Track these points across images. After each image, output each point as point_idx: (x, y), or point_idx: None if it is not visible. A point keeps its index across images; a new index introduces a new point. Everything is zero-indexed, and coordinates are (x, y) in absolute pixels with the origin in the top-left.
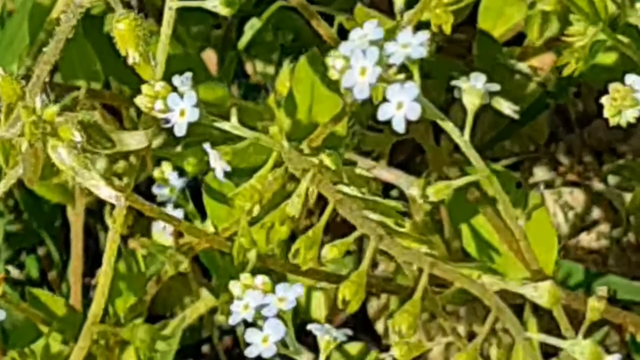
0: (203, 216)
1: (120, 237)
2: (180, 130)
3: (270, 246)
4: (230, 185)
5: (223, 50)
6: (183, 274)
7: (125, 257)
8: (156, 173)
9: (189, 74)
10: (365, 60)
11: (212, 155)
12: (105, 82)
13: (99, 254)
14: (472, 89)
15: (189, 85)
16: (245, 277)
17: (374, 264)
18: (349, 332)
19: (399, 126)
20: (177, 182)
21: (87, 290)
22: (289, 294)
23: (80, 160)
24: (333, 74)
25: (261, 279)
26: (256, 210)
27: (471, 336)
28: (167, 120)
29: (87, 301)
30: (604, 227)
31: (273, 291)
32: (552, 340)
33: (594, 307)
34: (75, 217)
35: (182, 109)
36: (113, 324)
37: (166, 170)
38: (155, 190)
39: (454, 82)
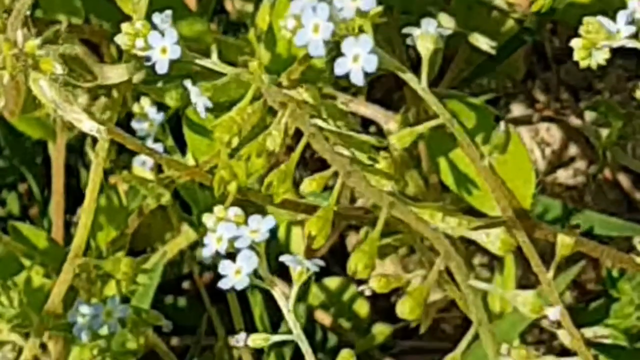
0: (182, 151)
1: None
2: (161, 68)
3: (250, 179)
4: (211, 119)
5: None
6: (164, 208)
7: (107, 191)
8: (136, 108)
9: (169, 12)
10: (316, 17)
11: (193, 91)
12: (86, 19)
13: (80, 191)
14: (426, 34)
15: (169, 23)
16: (218, 209)
17: (353, 199)
18: (322, 262)
19: (357, 79)
20: (156, 116)
21: (67, 227)
22: (262, 225)
23: (62, 94)
24: (285, 34)
25: (234, 211)
26: (235, 142)
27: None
28: (148, 58)
29: (68, 237)
30: (580, 164)
31: (246, 223)
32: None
33: (565, 242)
34: (57, 153)
35: (163, 47)
36: (95, 257)
37: (145, 105)
38: (134, 125)
39: (405, 30)
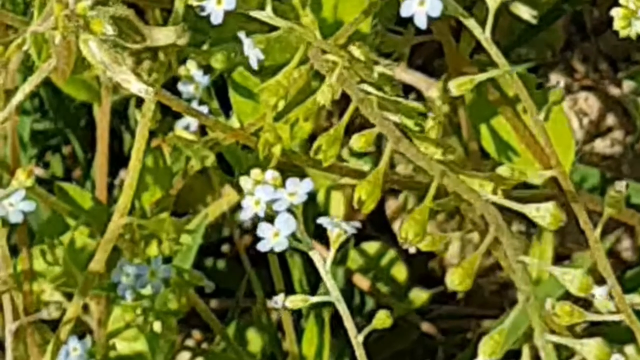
0: (226, 115)
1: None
2: (216, 19)
3: (294, 142)
4: (256, 82)
5: None
6: (205, 171)
7: (152, 152)
8: (182, 70)
9: None
10: None
11: (246, 43)
12: None
13: (122, 154)
14: None
15: None
16: (256, 172)
17: (392, 165)
18: (359, 225)
19: (421, 22)
20: (202, 79)
21: (110, 190)
22: (300, 188)
23: (112, 55)
24: None
25: (271, 174)
26: (281, 105)
27: None
28: (202, 9)
29: (110, 200)
30: (618, 134)
31: (283, 186)
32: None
33: (612, 200)
34: (101, 115)
35: None
36: (139, 217)
37: (191, 67)
38: (180, 87)
39: None
